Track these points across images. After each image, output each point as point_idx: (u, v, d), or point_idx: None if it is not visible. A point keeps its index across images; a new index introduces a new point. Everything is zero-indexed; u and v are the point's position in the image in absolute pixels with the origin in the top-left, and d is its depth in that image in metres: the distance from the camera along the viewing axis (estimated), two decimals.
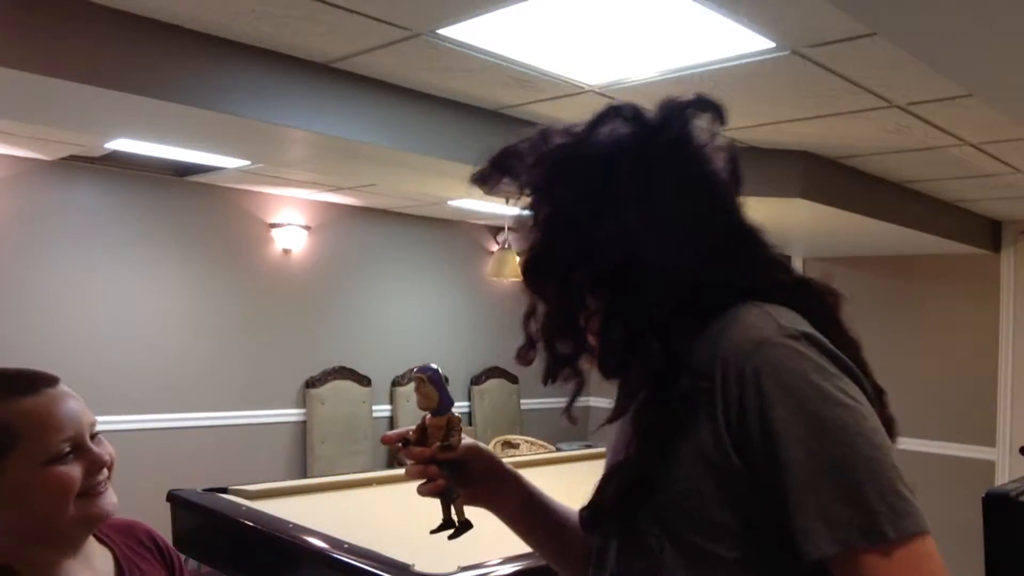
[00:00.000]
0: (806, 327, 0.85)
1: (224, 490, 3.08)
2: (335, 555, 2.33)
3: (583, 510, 0.97)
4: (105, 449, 1.15)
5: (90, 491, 1.11)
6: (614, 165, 0.92)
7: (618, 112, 0.97)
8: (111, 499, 1.14)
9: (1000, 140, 3.54)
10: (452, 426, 1.04)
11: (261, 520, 2.68)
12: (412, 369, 6.54)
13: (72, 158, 4.45)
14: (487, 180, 1.02)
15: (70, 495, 1.08)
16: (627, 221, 0.89)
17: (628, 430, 0.93)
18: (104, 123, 3.40)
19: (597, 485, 0.95)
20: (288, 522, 2.62)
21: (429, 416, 1.04)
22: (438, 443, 1.02)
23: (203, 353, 5.03)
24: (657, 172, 0.91)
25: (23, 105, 3.06)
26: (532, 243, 0.97)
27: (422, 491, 1.03)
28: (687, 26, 2.46)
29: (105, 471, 1.14)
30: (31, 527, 1.08)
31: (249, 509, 2.84)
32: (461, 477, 1.04)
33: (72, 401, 1.14)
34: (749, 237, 0.95)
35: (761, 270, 0.94)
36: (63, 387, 1.16)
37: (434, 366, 1.05)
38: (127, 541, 1.28)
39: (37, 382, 1.13)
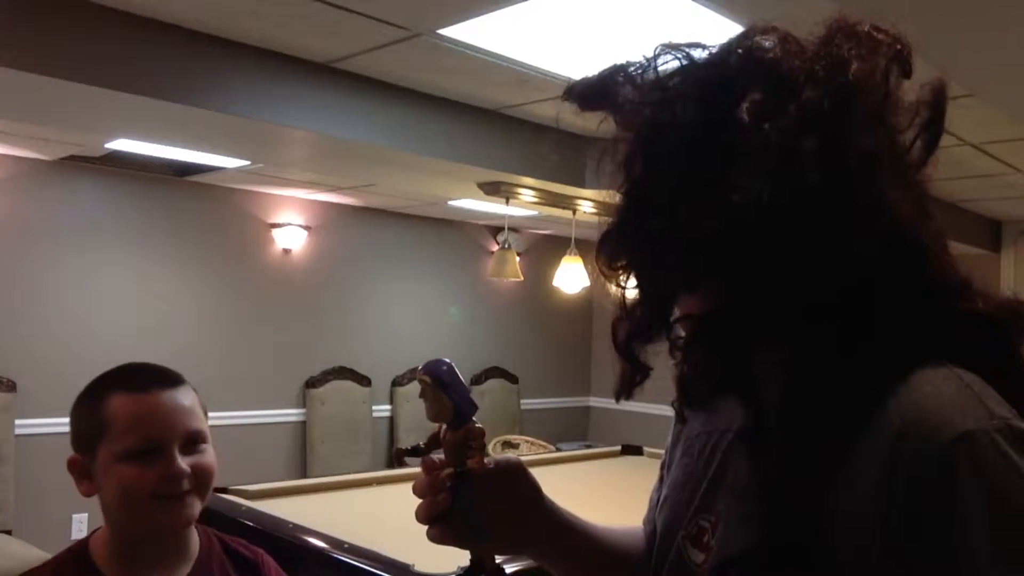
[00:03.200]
0: (1016, 417, 0.63)
1: (224, 490, 3.08)
2: (335, 555, 2.33)
3: None
4: (197, 460, 1.17)
5: (165, 496, 1.13)
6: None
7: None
8: (187, 511, 1.16)
9: (1000, 140, 3.54)
10: (470, 441, 0.78)
11: (261, 520, 2.68)
12: (416, 368, 6.71)
13: (72, 158, 4.45)
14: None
15: (138, 493, 1.12)
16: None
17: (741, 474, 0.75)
18: (104, 123, 3.40)
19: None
20: (288, 522, 2.62)
21: (445, 429, 0.79)
22: (449, 468, 0.77)
23: (203, 353, 5.02)
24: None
25: (23, 105, 3.06)
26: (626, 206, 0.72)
27: (430, 535, 0.79)
28: (686, 26, 2.46)
29: (185, 482, 1.14)
30: (113, 512, 1.15)
31: (249, 509, 2.84)
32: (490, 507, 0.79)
33: (172, 407, 1.16)
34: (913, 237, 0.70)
35: (928, 291, 0.70)
36: (177, 392, 1.18)
37: (446, 362, 0.79)
38: (233, 564, 1.26)
39: (151, 382, 1.17)
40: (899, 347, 0.67)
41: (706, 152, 0.67)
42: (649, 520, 0.97)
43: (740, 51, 0.71)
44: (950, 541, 0.60)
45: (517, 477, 0.82)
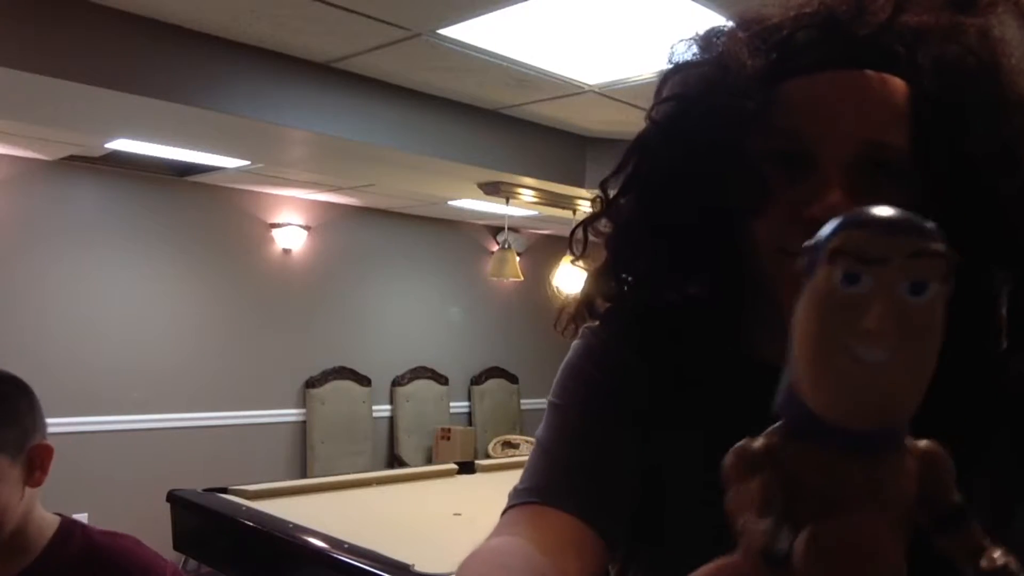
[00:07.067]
0: None
1: (224, 490, 3.08)
2: (335, 555, 2.33)
3: None
4: None
5: None
6: None
7: None
8: None
9: None
10: (942, 481, 0.33)
11: (261, 520, 2.68)
12: (417, 368, 6.44)
13: (72, 158, 4.45)
14: None
15: None
16: None
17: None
18: (104, 123, 3.40)
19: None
20: (288, 522, 2.62)
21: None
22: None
23: (203, 353, 5.02)
24: None
25: (23, 105, 3.07)
26: None
27: None
28: (686, 26, 2.47)
29: None
30: None
31: (249, 509, 2.84)
32: None
33: None
34: None
35: None
36: None
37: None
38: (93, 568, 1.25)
39: None
40: None
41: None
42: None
43: None
44: None
45: None
